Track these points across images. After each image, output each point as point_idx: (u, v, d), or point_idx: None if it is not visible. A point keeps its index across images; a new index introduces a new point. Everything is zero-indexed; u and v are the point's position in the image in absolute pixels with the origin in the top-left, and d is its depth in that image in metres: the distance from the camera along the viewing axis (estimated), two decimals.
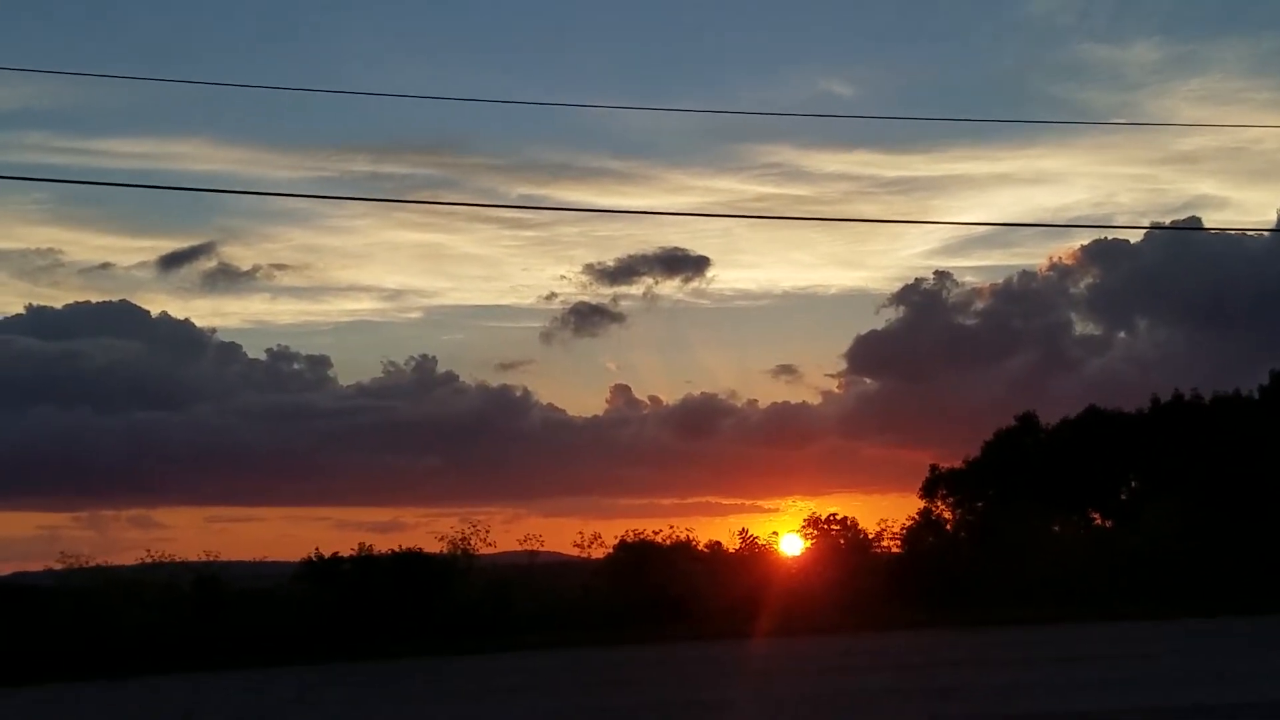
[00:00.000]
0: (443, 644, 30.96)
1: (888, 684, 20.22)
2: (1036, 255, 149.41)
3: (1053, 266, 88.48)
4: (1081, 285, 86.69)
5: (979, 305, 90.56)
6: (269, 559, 40.28)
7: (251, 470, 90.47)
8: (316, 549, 34.92)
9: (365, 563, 34.47)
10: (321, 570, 34.49)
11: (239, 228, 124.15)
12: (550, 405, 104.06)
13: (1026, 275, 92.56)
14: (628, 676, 23.85)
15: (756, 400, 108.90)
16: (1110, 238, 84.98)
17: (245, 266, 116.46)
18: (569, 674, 24.95)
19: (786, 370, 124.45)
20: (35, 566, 34.03)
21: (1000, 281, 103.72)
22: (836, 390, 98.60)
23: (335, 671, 27.82)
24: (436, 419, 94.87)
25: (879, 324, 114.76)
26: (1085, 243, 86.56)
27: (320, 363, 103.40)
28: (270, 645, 30.76)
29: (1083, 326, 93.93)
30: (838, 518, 39.99)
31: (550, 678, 24.37)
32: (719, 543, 38.94)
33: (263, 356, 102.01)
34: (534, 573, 36.80)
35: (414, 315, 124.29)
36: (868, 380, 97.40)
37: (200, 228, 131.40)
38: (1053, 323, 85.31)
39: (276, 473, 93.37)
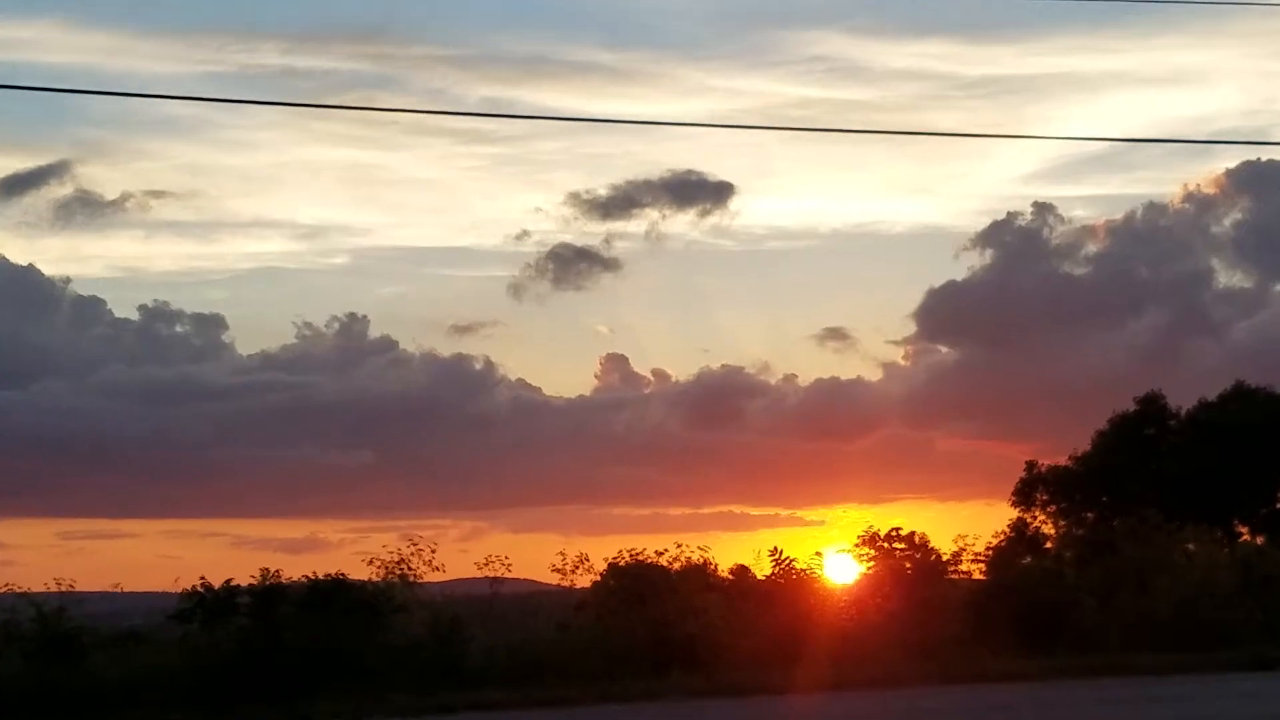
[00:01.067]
0: (373, 701, 30.75)
1: None
2: (1168, 181, 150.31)
3: (1189, 196, 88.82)
4: (1227, 222, 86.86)
5: (1090, 248, 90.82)
6: (141, 589, 39.90)
7: (119, 469, 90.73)
8: (203, 578, 34.45)
9: (270, 594, 34.11)
10: (212, 604, 34.09)
11: (103, 141, 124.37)
12: (521, 382, 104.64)
13: (1154, 208, 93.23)
14: None
15: (796, 375, 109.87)
16: (1266, 158, 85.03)
17: (111, 194, 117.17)
18: None
19: (835, 335, 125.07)
20: None
21: (1119, 216, 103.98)
22: (902, 362, 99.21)
23: None
24: (368, 400, 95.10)
25: (958, 273, 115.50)
26: (1232, 165, 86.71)
27: (212, 324, 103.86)
28: (142, 702, 30.45)
29: (1228, 277, 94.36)
30: (902, 533, 39.70)
31: None
32: (745, 567, 38.69)
33: (134, 315, 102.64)
34: (497, 607, 36.59)
35: (338, 260, 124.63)
36: (943, 349, 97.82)
37: (50, 141, 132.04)
38: (1189, 272, 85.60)
39: (152, 473, 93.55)
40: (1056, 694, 28.98)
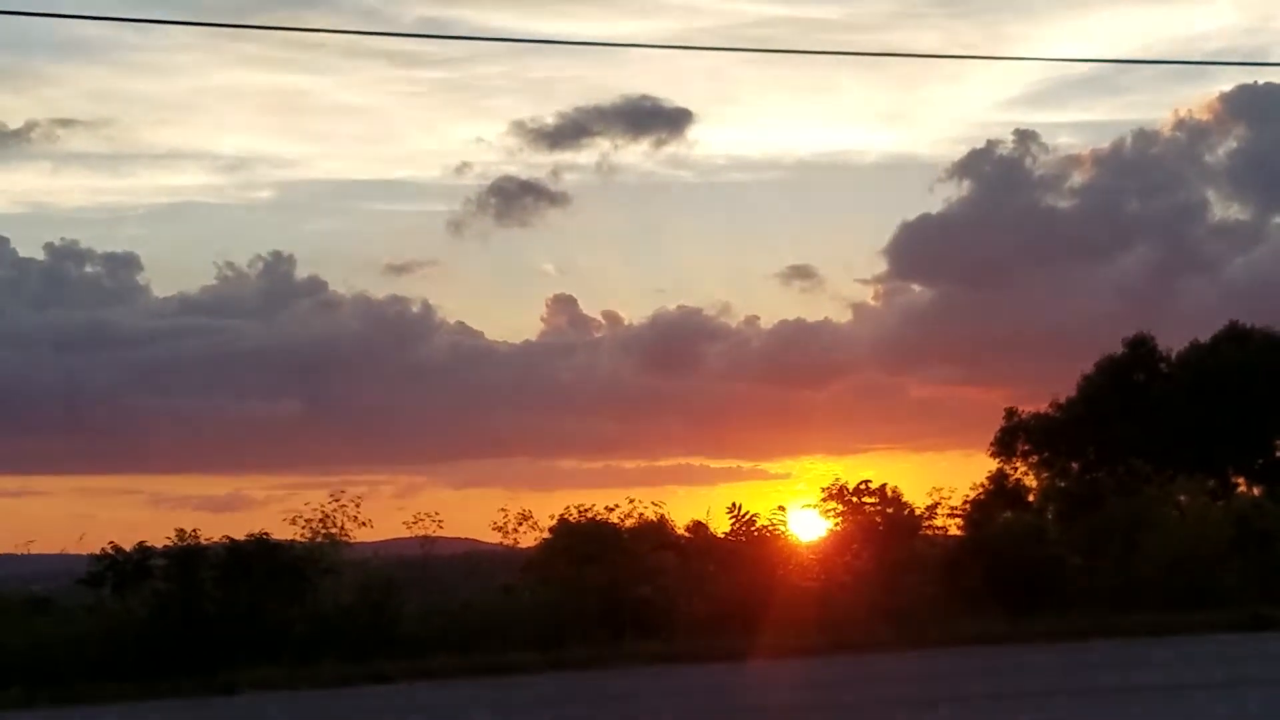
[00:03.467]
0: (300, 670, 30.84)
1: None
2: (1159, 106, 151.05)
3: (1181, 123, 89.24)
4: (1221, 151, 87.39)
5: (1076, 179, 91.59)
6: (47, 551, 39.73)
7: (24, 422, 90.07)
8: (112, 542, 34.57)
9: (188, 556, 34.17)
10: (125, 568, 34.17)
11: (4, 66, 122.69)
12: (461, 326, 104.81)
13: (1144, 135, 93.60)
14: (569, 715, 23.52)
15: (758, 317, 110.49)
16: (1263, 81, 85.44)
17: (15, 123, 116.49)
18: (484, 712, 24.75)
19: (801, 273, 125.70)
20: None
21: (1106, 145, 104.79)
22: (872, 302, 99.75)
23: (142, 712, 27.59)
24: (296, 346, 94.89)
25: (934, 206, 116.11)
26: (1228, 88, 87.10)
27: (126, 264, 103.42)
28: (49, 674, 30.37)
29: (1224, 209, 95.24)
30: (873, 487, 39.74)
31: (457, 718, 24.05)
32: (703, 524, 38.74)
33: (40, 254, 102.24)
34: (432, 568, 36.66)
35: (262, 195, 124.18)
36: (917, 287, 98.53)
37: None
38: (1181, 203, 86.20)
39: (62, 426, 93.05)
40: (1038, 658, 29.16)
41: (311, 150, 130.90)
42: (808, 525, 39.42)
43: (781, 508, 39.20)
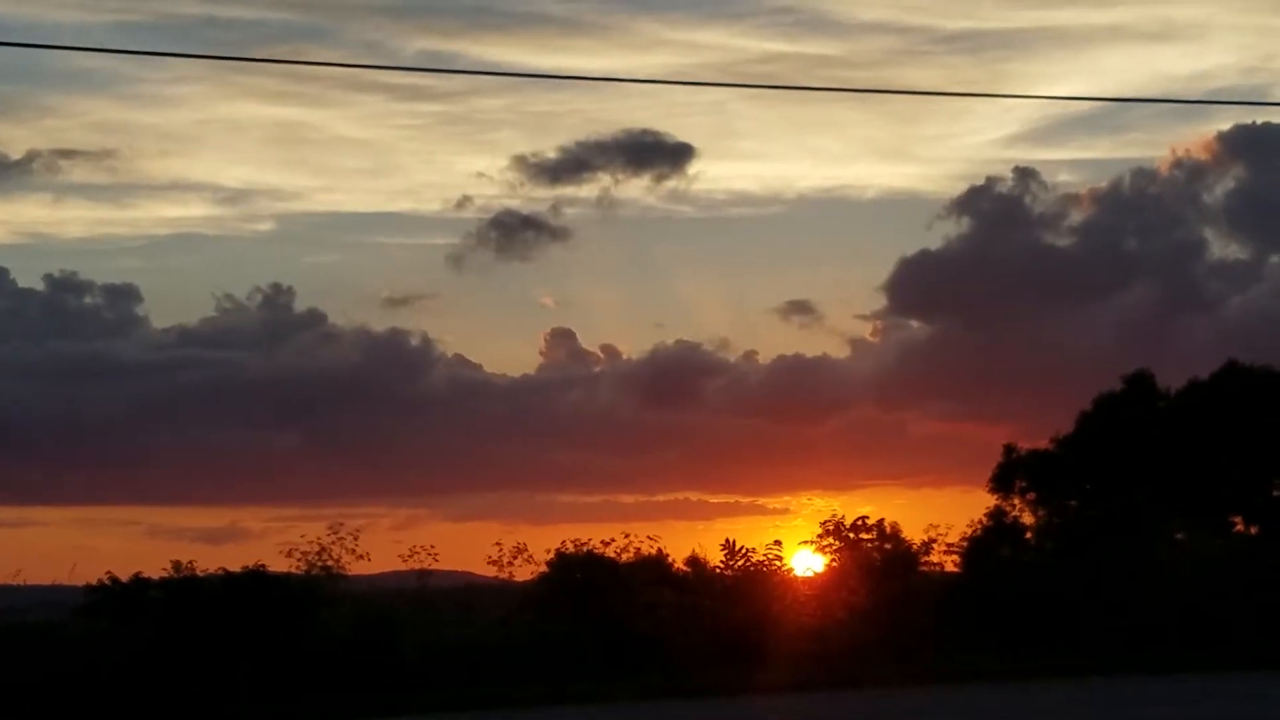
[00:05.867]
0: (295, 705, 30.75)
1: None
2: (1157, 145, 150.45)
3: (1179, 162, 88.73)
4: (1219, 190, 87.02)
5: (1075, 217, 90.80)
6: (45, 582, 39.72)
7: (23, 453, 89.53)
8: (109, 572, 34.57)
9: (184, 587, 34.18)
10: (121, 599, 34.16)
11: (6, 96, 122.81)
12: (460, 359, 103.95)
13: (1143, 174, 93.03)
14: None
15: (756, 352, 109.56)
16: (1261, 121, 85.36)
17: (16, 153, 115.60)
18: None
19: (800, 309, 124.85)
20: None
21: (1105, 183, 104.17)
22: (870, 338, 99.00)
23: None
24: (294, 378, 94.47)
25: (933, 242, 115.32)
26: (1226, 127, 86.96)
27: (125, 295, 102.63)
28: (45, 706, 30.47)
29: (1222, 248, 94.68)
30: (870, 522, 39.77)
31: None
32: (700, 559, 38.72)
33: (40, 285, 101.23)
34: (428, 600, 36.54)
35: (263, 227, 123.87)
36: (915, 324, 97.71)
37: None
38: (1179, 242, 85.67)
39: (58, 456, 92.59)
40: (1034, 695, 29.11)
41: (312, 183, 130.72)
42: (805, 561, 39.43)
43: (778, 543, 39.29)
